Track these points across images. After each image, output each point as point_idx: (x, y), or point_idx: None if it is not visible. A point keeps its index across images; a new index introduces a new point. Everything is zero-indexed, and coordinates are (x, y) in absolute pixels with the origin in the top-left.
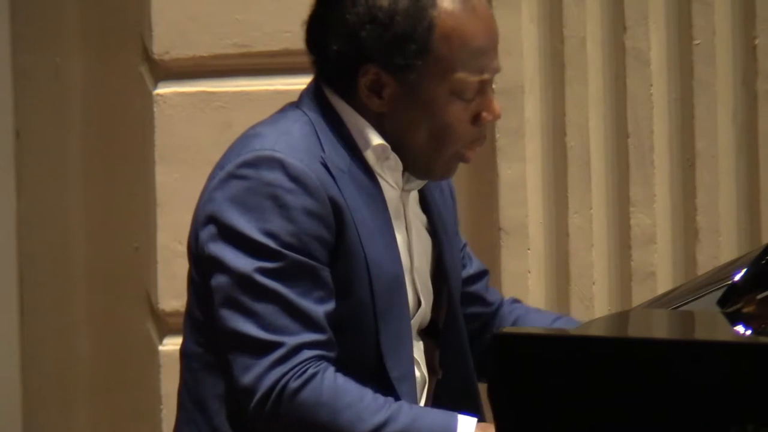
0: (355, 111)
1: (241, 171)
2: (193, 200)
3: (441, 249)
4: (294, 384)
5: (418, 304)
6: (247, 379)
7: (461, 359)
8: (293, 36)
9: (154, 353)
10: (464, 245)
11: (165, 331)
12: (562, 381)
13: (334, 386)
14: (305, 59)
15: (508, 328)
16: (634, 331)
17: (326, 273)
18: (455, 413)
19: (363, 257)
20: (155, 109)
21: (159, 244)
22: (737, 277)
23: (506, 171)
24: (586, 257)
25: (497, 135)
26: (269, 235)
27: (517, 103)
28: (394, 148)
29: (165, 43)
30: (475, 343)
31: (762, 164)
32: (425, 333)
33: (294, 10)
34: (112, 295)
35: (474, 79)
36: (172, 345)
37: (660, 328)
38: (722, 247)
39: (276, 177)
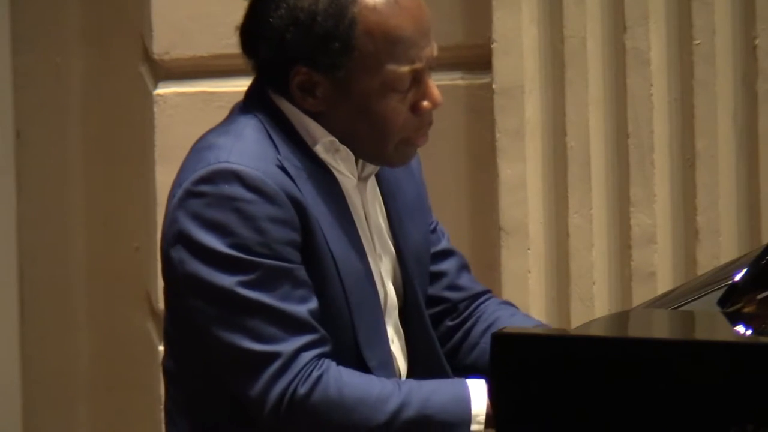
0: (298, 109)
1: (199, 188)
2: None
3: (397, 231)
4: (302, 390)
5: (384, 291)
6: (253, 393)
7: (425, 339)
8: None
9: (154, 353)
10: (436, 223)
11: None
12: (563, 381)
13: (341, 384)
14: None
15: (508, 328)
16: (634, 331)
17: (302, 272)
18: (463, 380)
19: (330, 255)
20: (155, 109)
21: (159, 244)
22: (737, 277)
23: (506, 171)
24: (586, 257)
25: (497, 135)
26: (239, 247)
27: (517, 103)
28: (342, 142)
29: (165, 43)
30: (438, 328)
31: (762, 164)
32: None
33: None
34: (112, 295)
35: (405, 69)
36: None
37: (660, 328)
38: (722, 247)
39: (234, 190)
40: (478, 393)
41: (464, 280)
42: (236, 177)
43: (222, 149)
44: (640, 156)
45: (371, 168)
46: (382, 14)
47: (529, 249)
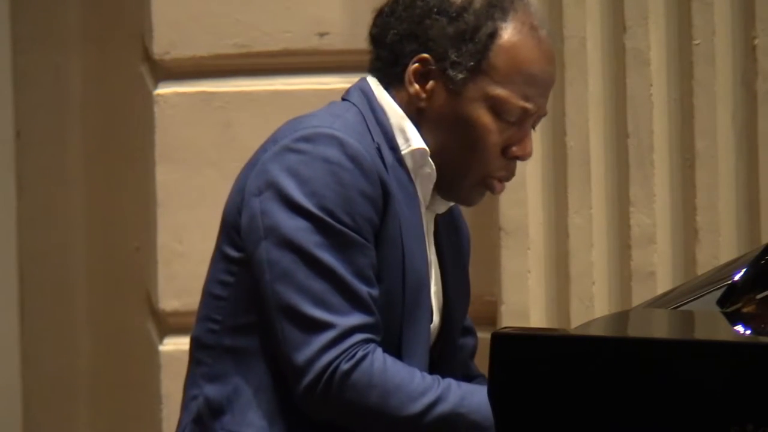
0: (400, 107)
1: (299, 145)
2: (193, 200)
3: (447, 279)
4: (345, 366)
5: (431, 318)
6: (300, 358)
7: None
8: (293, 36)
9: (154, 353)
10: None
11: (165, 331)
12: (562, 381)
13: (384, 368)
14: (305, 59)
15: (508, 328)
16: (634, 331)
17: (374, 254)
18: None
19: (401, 247)
20: (155, 109)
21: (159, 244)
22: (737, 277)
23: None
24: (586, 257)
25: None
26: (326, 210)
27: None
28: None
29: (165, 43)
30: None
31: (762, 164)
32: None
33: (294, 10)
34: (112, 295)
35: (516, 102)
36: (172, 345)
37: (660, 328)
38: (722, 247)
39: (334, 153)
40: None
41: (471, 362)
42: (338, 142)
43: (324, 118)
44: (639, 156)
45: (438, 206)
46: (524, 42)
47: (529, 249)
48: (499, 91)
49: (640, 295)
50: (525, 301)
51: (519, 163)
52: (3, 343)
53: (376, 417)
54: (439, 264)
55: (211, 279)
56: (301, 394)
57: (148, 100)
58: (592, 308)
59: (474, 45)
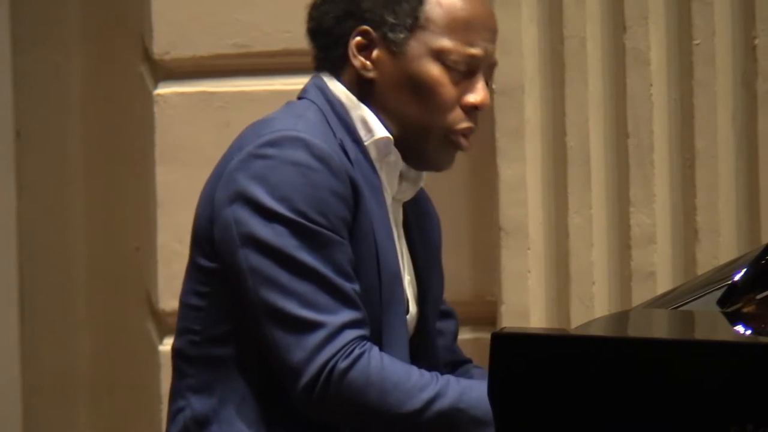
0: (352, 92)
1: (264, 150)
2: (193, 200)
3: (419, 265)
4: (342, 365)
5: (407, 310)
6: (294, 360)
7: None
8: (293, 36)
9: (154, 353)
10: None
11: (165, 331)
12: (562, 381)
13: (381, 366)
14: (305, 59)
15: (508, 328)
16: (634, 331)
17: (350, 250)
18: None
19: (374, 243)
20: (155, 109)
21: (159, 244)
22: (737, 277)
23: (506, 171)
24: (586, 257)
25: (497, 135)
26: (299, 212)
27: (517, 103)
28: (392, 132)
29: (165, 43)
30: None
31: (762, 164)
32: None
33: (294, 10)
34: (112, 295)
35: (461, 50)
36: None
37: (660, 328)
38: (722, 247)
39: (301, 156)
40: None
41: (456, 345)
42: (304, 144)
43: (286, 120)
44: (639, 156)
45: (405, 193)
46: None
47: (529, 249)
48: (442, 42)
49: (640, 295)
50: (525, 301)
51: (519, 163)
52: (3, 343)
53: (376, 415)
54: (411, 252)
55: (187, 290)
56: (299, 396)
57: (148, 100)
58: (592, 308)
59: (408, 3)
